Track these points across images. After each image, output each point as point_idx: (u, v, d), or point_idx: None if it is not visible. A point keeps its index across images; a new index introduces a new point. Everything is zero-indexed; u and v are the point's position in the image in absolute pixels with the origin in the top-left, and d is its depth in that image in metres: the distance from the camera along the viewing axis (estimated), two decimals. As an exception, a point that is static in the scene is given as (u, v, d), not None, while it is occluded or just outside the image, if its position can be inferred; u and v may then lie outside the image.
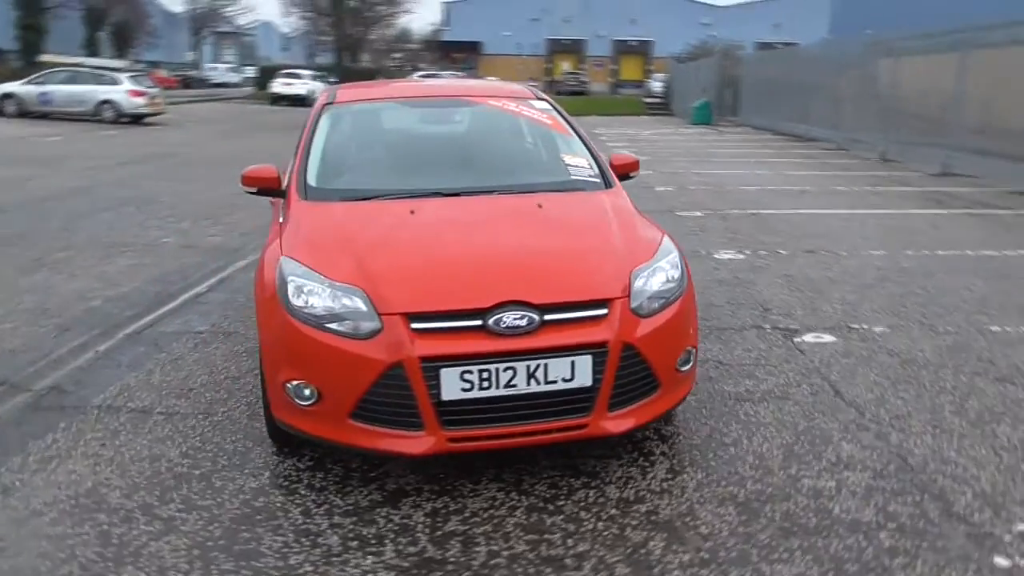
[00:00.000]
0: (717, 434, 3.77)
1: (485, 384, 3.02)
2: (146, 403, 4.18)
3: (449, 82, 5.45)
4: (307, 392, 3.17)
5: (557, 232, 3.64)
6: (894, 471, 3.44)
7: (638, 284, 3.28)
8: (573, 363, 3.07)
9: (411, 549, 2.92)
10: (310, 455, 3.59)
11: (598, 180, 4.19)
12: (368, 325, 3.06)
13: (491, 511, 3.16)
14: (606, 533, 3.01)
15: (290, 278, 3.25)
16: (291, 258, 3.37)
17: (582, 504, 3.21)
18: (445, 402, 3.02)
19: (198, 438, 3.78)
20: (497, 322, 3.03)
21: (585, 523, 3.08)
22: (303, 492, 3.31)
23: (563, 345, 3.06)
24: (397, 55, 67.52)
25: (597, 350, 3.10)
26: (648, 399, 3.28)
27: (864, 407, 4.08)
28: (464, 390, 3.01)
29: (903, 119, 15.92)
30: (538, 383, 3.05)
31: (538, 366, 3.04)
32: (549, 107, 4.77)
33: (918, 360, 4.76)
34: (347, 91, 4.75)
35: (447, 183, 4.03)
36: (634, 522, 3.08)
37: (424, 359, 2.98)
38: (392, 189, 3.94)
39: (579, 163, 4.32)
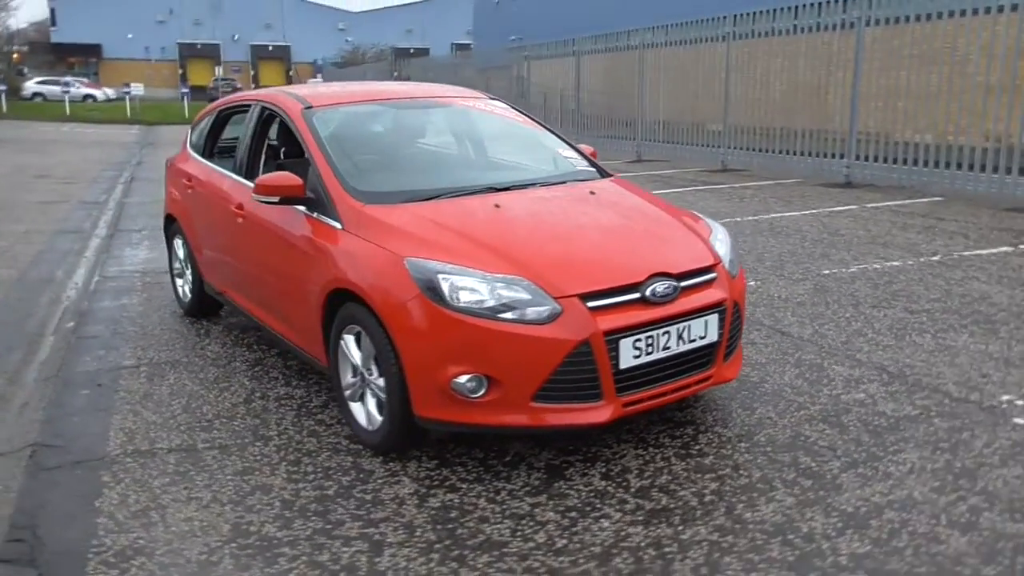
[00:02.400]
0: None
1: (650, 349, 3.36)
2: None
3: (393, 84, 5.45)
4: (481, 384, 3.24)
5: (631, 214, 4.02)
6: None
7: (721, 250, 3.82)
8: (707, 322, 3.52)
9: (628, 506, 3.17)
10: (429, 452, 3.61)
11: (594, 169, 4.61)
12: (543, 310, 3.22)
13: (652, 463, 3.49)
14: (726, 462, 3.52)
15: (440, 276, 3.27)
16: (419, 258, 3.37)
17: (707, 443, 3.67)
18: (622, 370, 3.30)
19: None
20: (653, 293, 3.38)
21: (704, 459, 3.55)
22: (473, 485, 3.36)
23: (699, 307, 3.50)
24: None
25: (719, 308, 3.58)
26: (739, 345, 3.84)
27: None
28: (635, 357, 3.32)
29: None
30: (683, 343, 3.46)
31: (684, 327, 3.45)
32: (508, 106, 5.08)
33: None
34: (314, 96, 4.61)
35: (490, 178, 4.19)
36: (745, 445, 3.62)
37: (607, 333, 3.24)
38: (448, 187, 4.01)
39: (572, 155, 4.71)
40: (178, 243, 5.77)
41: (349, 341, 3.69)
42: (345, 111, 4.57)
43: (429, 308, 3.24)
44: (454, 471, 3.47)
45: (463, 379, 3.21)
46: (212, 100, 43.22)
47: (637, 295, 3.35)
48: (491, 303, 3.20)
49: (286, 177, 3.96)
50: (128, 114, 34.52)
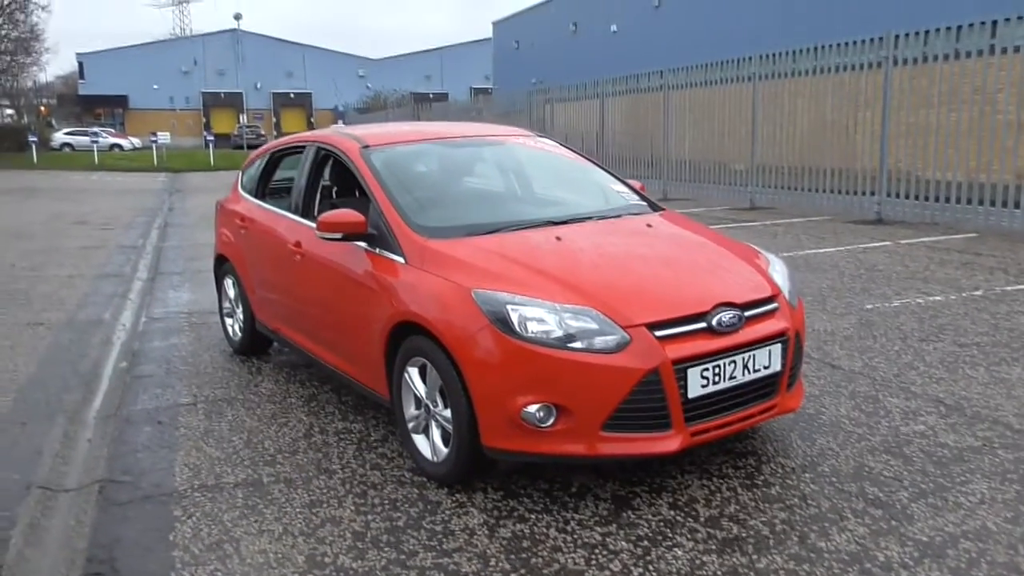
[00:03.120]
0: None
1: (716, 379, 3.38)
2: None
3: (447, 125, 5.57)
4: (550, 413, 3.27)
5: (690, 246, 4.07)
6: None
7: (780, 281, 3.85)
8: (770, 352, 3.54)
9: (700, 535, 3.17)
10: (493, 484, 3.62)
11: (645, 203, 4.68)
12: (612, 339, 3.26)
13: (719, 492, 3.48)
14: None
15: (508, 307, 3.33)
16: (487, 290, 3.43)
17: (772, 474, 3.66)
18: (690, 399, 3.32)
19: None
20: (719, 322, 3.41)
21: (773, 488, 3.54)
22: (542, 516, 3.36)
23: (763, 336, 3.52)
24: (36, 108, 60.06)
25: (783, 338, 3.60)
26: (800, 376, 3.85)
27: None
28: (703, 386, 3.35)
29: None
30: (749, 372, 3.48)
31: (750, 357, 3.47)
32: (557, 143, 5.18)
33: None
34: (370, 136, 4.72)
35: (547, 213, 4.27)
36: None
37: (675, 362, 3.27)
38: (509, 221, 4.08)
39: (623, 190, 4.79)
40: (229, 283, 5.87)
41: (413, 373, 3.74)
42: (401, 150, 4.67)
43: (498, 339, 3.29)
44: (521, 502, 3.48)
45: (532, 408, 3.25)
46: (236, 147, 43.87)
47: (703, 324, 3.38)
48: (559, 333, 3.24)
49: (349, 214, 4.05)
50: (155, 162, 35.17)
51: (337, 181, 5.10)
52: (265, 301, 5.31)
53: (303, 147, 5.15)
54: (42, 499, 3.70)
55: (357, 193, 5.02)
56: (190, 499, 3.63)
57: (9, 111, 58.84)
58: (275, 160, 5.70)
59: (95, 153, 37.90)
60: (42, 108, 66.76)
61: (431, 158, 4.79)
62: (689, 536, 3.15)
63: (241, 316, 5.72)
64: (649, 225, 4.23)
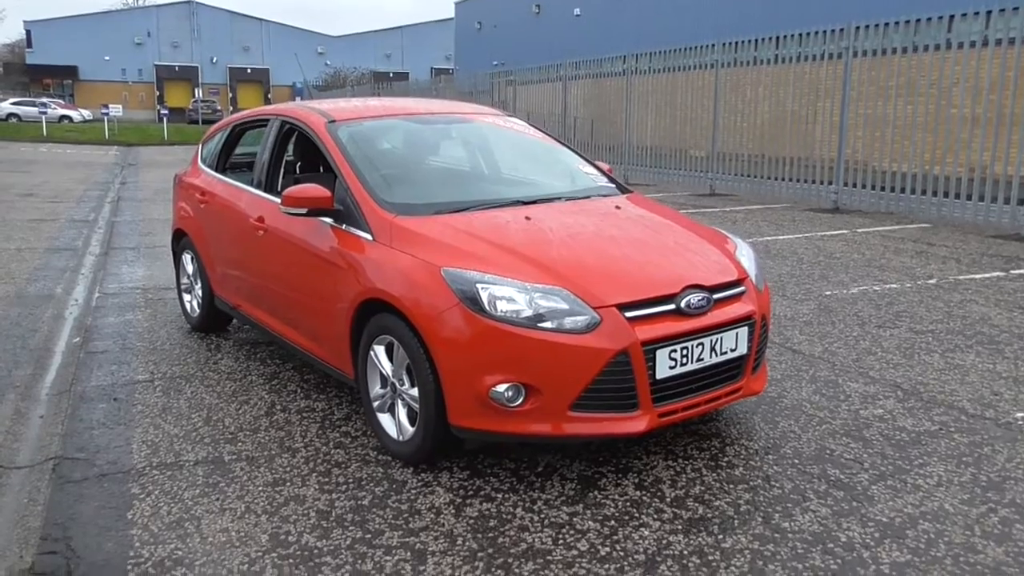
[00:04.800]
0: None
1: (684, 360, 3.40)
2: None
3: (414, 101, 5.49)
4: (519, 393, 3.26)
5: (659, 228, 4.07)
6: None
7: (747, 265, 3.88)
8: (737, 334, 3.57)
9: (666, 515, 3.19)
10: (460, 463, 3.61)
11: (613, 185, 4.68)
12: (582, 319, 3.25)
13: (684, 474, 3.51)
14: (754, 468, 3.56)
15: (479, 286, 3.30)
16: (457, 268, 3.39)
17: (736, 455, 3.70)
18: (658, 381, 3.33)
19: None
20: (688, 304, 3.42)
21: (736, 468, 3.58)
22: (508, 495, 3.36)
23: (730, 319, 3.55)
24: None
25: (749, 321, 3.63)
26: (764, 359, 3.89)
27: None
28: (671, 368, 3.36)
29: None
30: (716, 355, 3.50)
31: (717, 339, 3.49)
32: (525, 123, 5.15)
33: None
34: (336, 111, 4.64)
35: (516, 192, 4.24)
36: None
37: (645, 343, 3.27)
38: (477, 200, 4.05)
39: (591, 171, 4.78)
40: (187, 258, 5.75)
41: (379, 352, 3.69)
42: (368, 126, 4.60)
43: (468, 317, 3.26)
44: (487, 481, 3.47)
45: (502, 388, 3.23)
46: (191, 122, 43.02)
47: (672, 306, 3.39)
48: (529, 312, 3.23)
49: (315, 189, 3.97)
50: (106, 135, 34.28)
51: (302, 156, 5.01)
52: (225, 277, 5.20)
53: (267, 121, 5.05)
54: (-7, 476, 3.59)
55: (322, 169, 4.94)
56: (148, 477, 3.55)
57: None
58: (237, 134, 5.57)
59: (44, 124, 36.80)
60: (-13, 77, 64.58)
61: (399, 134, 4.72)
62: (655, 516, 3.17)
63: (200, 292, 5.60)
64: (618, 207, 4.23)
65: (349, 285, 3.79)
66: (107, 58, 67.04)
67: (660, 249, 3.77)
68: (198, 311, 5.67)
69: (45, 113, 41.43)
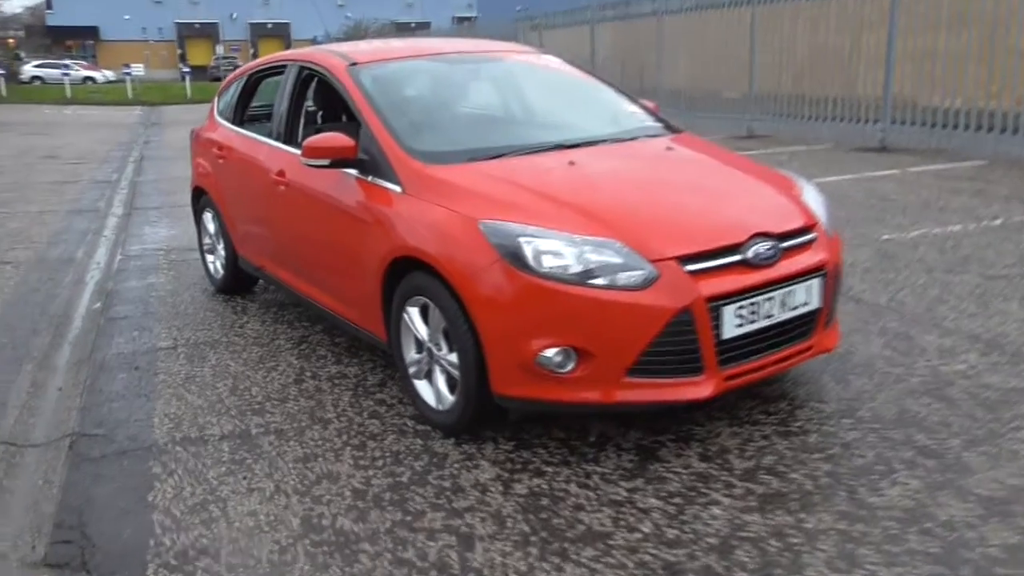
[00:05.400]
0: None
1: (753, 317, 3.04)
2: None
3: (441, 41, 5.10)
4: (569, 358, 2.93)
5: (716, 171, 3.70)
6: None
7: (817, 209, 3.49)
8: (809, 287, 3.20)
9: (737, 490, 2.87)
10: (504, 433, 3.31)
11: (661, 125, 4.28)
12: (638, 275, 2.91)
13: (752, 441, 3.18)
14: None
15: (522, 240, 2.95)
16: (496, 220, 3.05)
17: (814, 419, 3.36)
18: (724, 341, 2.99)
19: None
20: (756, 255, 3.06)
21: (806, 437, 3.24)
22: (559, 469, 3.06)
23: (801, 270, 3.18)
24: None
25: (822, 272, 3.25)
26: (836, 313, 3.52)
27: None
28: (738, 326, 3.01)
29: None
30: (786, 310, 3.14)
31: (788, 293, 3.13)
32: (563, 61, 4.74)
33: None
34: (357, 53, 4.26)
35: (554, 136, 3.87)
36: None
37: (709, 300, 2.92)
38: (514, 145, 3.69)
39: (636, 110, 4.38)
40: (208, 217, 5.45)
41: (413, 314, 3.38)
42: (393, 67, 4.23)
43: (510, 275, 2.93)
44: (535, 453, 3.17)
45: (550, 353, 2.91)
46: (213, 79, 42.64)
47: (738, 257, 3.03)
48: (578, 268, 2.89)
49: (337, 138, 3.63)
50: (129, 95, 34.07)
51: (322, 104, 4.66)
52: (247, 236, 4.91)
53: (284, 67, 4.70)
54: (5, 456, 3.36)
55: (344, 117, 4.59)
56: (171, 454, 3.30)
57: (-25, 44, 56.86)
58: (253, 83, 5.23)
59: (67, 86, 36.63)
60: (10, 40, 64.49)
61: (426, 76, 4.35)
62: (726, 492, 2.85)
63: (223, 253, 5.32)
64: (669, 148, 3.84)
65: (378, 242, 3.47)
66: (127, 17, 66.61)
67: (721, 194, 3.40)
68: (221, 272, 5.40)
69: (68, 75, 41.28)
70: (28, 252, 6.90)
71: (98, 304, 5.40)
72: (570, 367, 2.93)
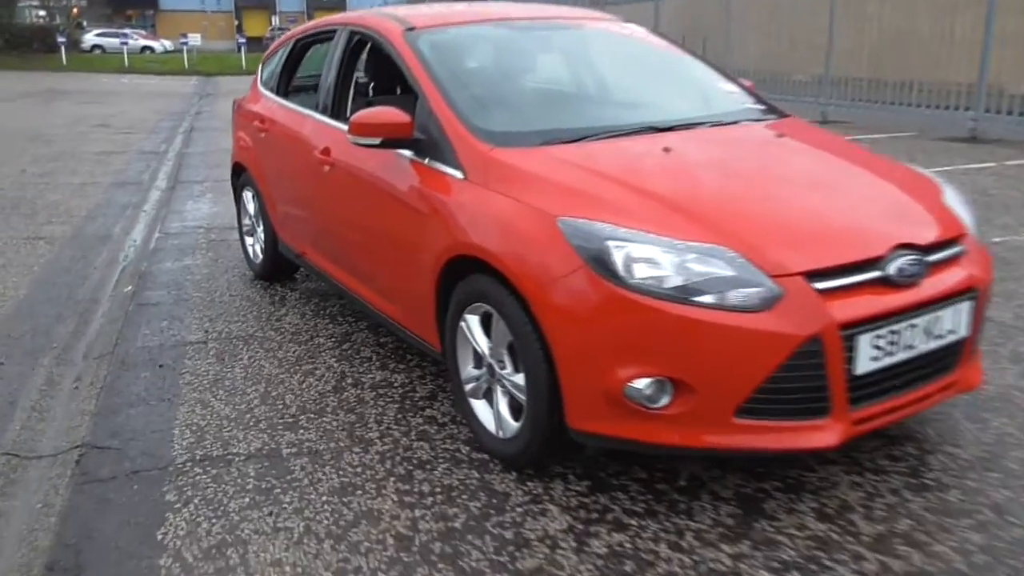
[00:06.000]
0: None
1: (892, 348, 2.47)
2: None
3: (509, 4, 4.54)
4: (663, 391, 2.38)
5: (840, 165, 3.11)
6: None
7: (963, 215, 2.88)
8: (957, 311, 2.61)
9: (870, 566, 2.30)
10: (575, 469, 2.79)
11: (764, 107, 3.68)
12: (756, 292, 2.34)
13: (878, 496, 2.61)
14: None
15: (610, 244, 2.40)
16: (579, 218, 2.50)
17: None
18: (857, 377, 2.41)
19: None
20: (899, 271, 2.47)
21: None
22: (645, 522, 2.52)
23: (950, 290, 2.59)
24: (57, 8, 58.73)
25: (971, 293, 2.65)
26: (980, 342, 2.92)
27: None
28: (873, 359, 2.43)
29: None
30: (930, 339, 2.55)
31: (934, 318, 2.54)
32: (646, 30, 4.15)
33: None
34: (415, 17, 3.73)
35: (643, 116, 3.30)
36: None
37: (843, 326, 2.35)
38: (597, 126, 3.14)
39: (733, 89, 3.80)
40: (248, 196, 5.00)
41: (472, 323, 2.87)
42: (456, 33, 3.70)
43: (595, 285, 2.39)
44: (614, 498, 2.64)
45: (641, 384, 2.37)
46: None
47: (877, 273, 2.45)
48: (678, 281, 2.34)
49: (389, 113, 3.12)
50: (186, 65, 34.06)
51: (374, 74, 4.15)
52: (289, 219, 4.44)
53: (333, 32, 4.19)
54: (5, 470, 2.93)
55: (399, 90, 4.08)
56: (189, 477, 2.84)
57: (40, 12, 57.57)
58: (300, 49, 4.74)
59: (125, 56, 36.78)
60: (73, 9, 65.32)
61: (493, 44, 3.80)
62: (855, 567, 2.29)
63: (262, 236, 4.86)
64: (780, 135, 3.26)
65: (434, 236, 2.96)
66: (186, -13, 66.94)
67: (850, 194, 2.81)
68: (260, 257, 4.95)
69: (127, 44, 41.47)
70: (64, 227, 6.55)
71: (129, 288, 4.99)
72: (665, 402, 2.39)
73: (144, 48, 48.79)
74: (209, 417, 3.28)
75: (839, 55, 12.87)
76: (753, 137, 3.24)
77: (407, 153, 3.20)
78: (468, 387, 3.01)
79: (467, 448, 3.00)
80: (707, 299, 2.34)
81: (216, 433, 3.15)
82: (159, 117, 15.56)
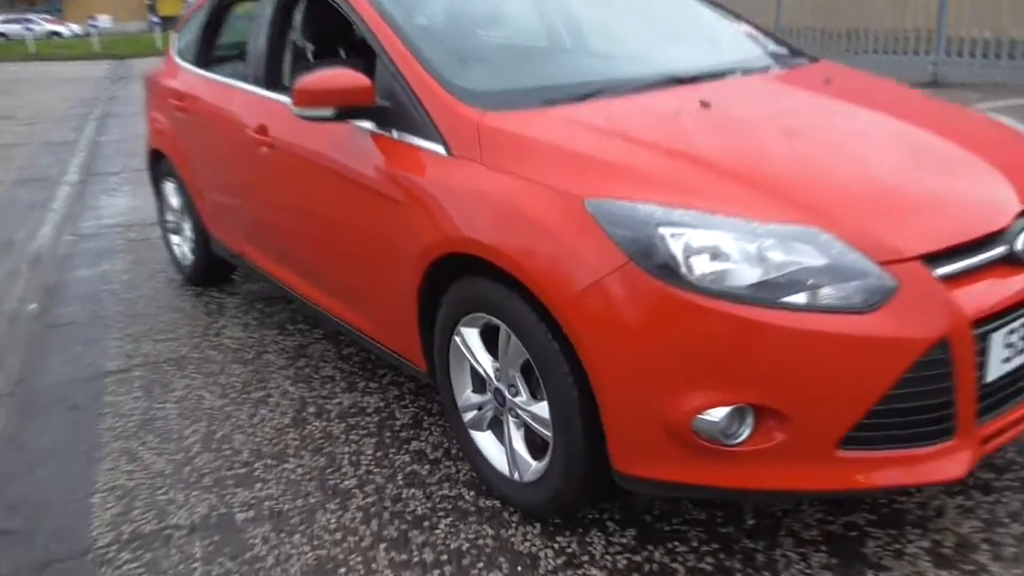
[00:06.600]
0: None
1: (1021, 344, 1.91)
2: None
3: None
4: (744, 421, 1.80)
5: (915, 113, 2.54)
6: None
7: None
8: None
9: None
10: (612, 513, 2.19)
11: (786, 49, 3.11)
12: (861, 285, 1.77)
13: (998, 525, 2.09)
14: None
15: (663, 231, 1.79)
16: (615, 197, 1.88)
17: None
18: (987, 384, 1.86)
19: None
20: (1027, 244, 1.91)
21: None
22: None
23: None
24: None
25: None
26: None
27: None
28: (1005, 360, 1.88)
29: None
30: (1061, 327, 2.00)
31: (1067, 301, 1.98)
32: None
33: None
34: None
35: (665, 64, 2.68)
36: None
37: (975, 323, 1.78)
38: (612, 78, 2.51)
39: (749, 30, 3.20)
40: (170, 187, 4.25)
41: (470, 338, 2.25)
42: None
43: (647, 289, 1.78)
44: (672, 552, 2.06)
45: (715, 415, 1.78)
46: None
47: (1002, 250, 1.89)
48: (756, 276, 1.74)
49: (344, 76, 2.45)
50: (96, 49, 32.18)
51: (318, 35, 3.42)
52: (221, 212, 3.72)
53: (261, -14, 3.44)
54: None
55: (344, 53, 3.37)
56: (114, 567, 2.15)
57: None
58: (222, 10, 3.99)
59: (30, 42, 34.60)
60: (-30, -5, 61.59)
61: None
62: (1011, 634, 1.73)
63: (190, 234, 4.13)
64: (827, 80, 2.66)
65: (411, 230, 2.31)
66: (93, -33, 63.64)
67: (945, 151, 2.25)
68: (190, 258, 4.21)
69: (32, 30, 39.19)
70: (-43, 235, 5.66)
71: (34, 305, 4.21)
72: (745, 435, 1.80)
73: (52, 33, 46.21)
74: (138, 474, 2.59)
75: (958, 8, 10.36)
76: (799, 86, 2.66)
77: (368, 125, 2.54)
78: (468, 416, 2.39)
79: (471, 493, 2.38)
80: (796, 299, 1.75)
81: (148, 497, 2.47)
82: (69, 104, 14.37)
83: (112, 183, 7.24)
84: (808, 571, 1.98)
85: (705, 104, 2.31)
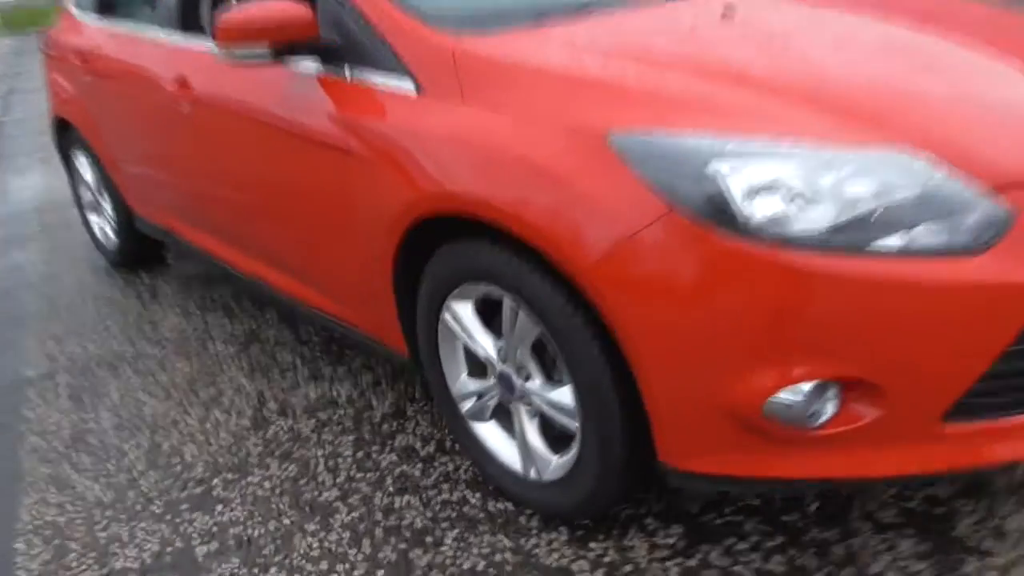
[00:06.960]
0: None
1: None
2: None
3: None
4: (826, 399, 1.44)
5: (959, 16, 2.17)
6: None
7: None
8: None
9: None
10: (652, 504, 1.84)
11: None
12: (967, 220, 1.40)
13: None
14: None
15: (718, 166, 1.40)
16: (650, 129, 1.48)
17: None
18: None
19: None
20: None
21: None
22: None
23: None
24: None
25: None
26: None
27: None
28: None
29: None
30: None
31: None
32: None
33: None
34: None
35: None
36: None
37: (1103, 258, 1.44)
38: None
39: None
40: (82, 161, 3.71)
41: (462, 314, 1.86)
42: None
43: (698, 241, 1.40)
44: (731, 552, 1.74)
45: (794, 393, 1.41)
46: None
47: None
48: (832, 217, 1.36)
49: (277, 5, 1.98)
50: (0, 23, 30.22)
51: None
52: (142, 185, 3.23)
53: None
54: None
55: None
56: (47, 633, 1.72)
57: None
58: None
59: (-79, 17, 32.34)
60: None
61: None
62: None
63: (111, 212, 3.61)
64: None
65: (377, 190, 1.89)
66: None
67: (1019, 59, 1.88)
68: (114, 240, 3.69)
69: (-78, 4, 36.63)
70: None
71: (-64, 307, 3.66)
72: (829, 413, 1.44)
73: (-55, 8, 43.33)
74: (71, 507, 2.15)
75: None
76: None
77: (312, 65, 2.07)
78: (466, 407, 1.99)
79: (477, 495, 2.00)
80: (887, 242, 1.38)
81: (85, 536, 2.03)
82: (-32, 81, 13.29)
83: (22, 163, 6.58)
84: (902, 563, 1.65)
85: (727, 14, 1.91)
